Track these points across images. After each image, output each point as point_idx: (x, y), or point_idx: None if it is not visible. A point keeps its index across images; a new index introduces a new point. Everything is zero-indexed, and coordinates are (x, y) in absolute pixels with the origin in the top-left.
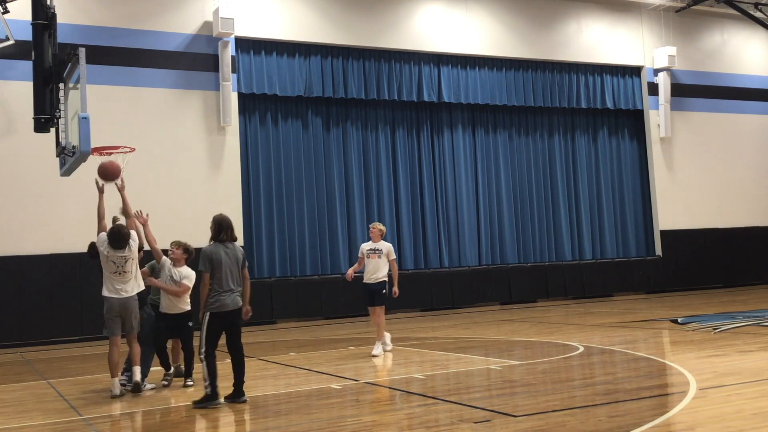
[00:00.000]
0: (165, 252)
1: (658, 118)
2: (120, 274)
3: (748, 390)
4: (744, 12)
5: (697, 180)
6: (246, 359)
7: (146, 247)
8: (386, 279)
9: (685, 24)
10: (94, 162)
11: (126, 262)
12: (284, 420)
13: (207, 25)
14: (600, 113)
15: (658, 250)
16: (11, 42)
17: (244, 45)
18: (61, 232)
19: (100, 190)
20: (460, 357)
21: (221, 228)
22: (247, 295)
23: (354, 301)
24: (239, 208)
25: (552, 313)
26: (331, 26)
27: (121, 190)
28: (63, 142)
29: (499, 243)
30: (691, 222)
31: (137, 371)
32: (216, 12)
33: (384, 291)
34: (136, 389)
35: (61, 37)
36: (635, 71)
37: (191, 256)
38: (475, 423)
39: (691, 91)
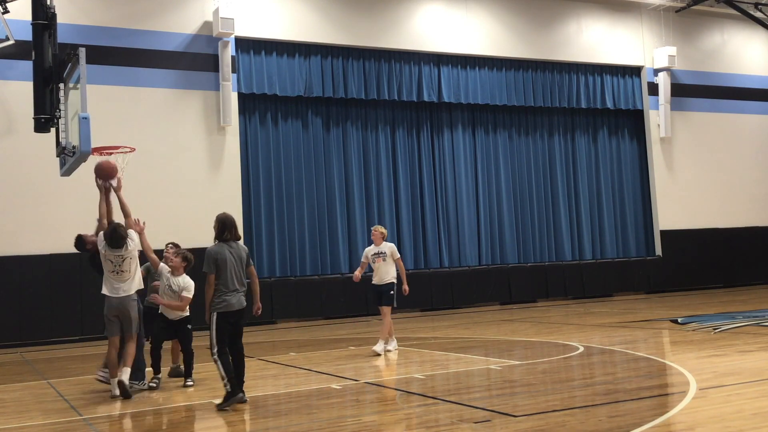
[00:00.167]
0: (160, 253)
1: (658, 118)
2: (117, 273)
3: (748, 390)
4: (744, 12)
5: (697, 180)
6: (246, 359)
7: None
8: (394, 280)
9: (685, 24)
10: (94, 162)
11: (123, 261)
12: (284, 420)
13: (207, 25)
14: (600, 113)
15: (658, 250)
16: (11, 42)
17: (244, 45)
18: (61, 232)
19: (101, 190)
20: (460, 357)
21: (224, 227)
22: (257, 292)
23: (354, 301)
24: (239, 208)
25: (552, 313)
26: (331, 26)
27: (117, 191)
28: (63, 142)
29: (499, 243)
30: (691, 222)
31: (125, 372)
32: (216, 12)
33: (392, 292)
34: (123, 390)
35: (61, 37)
36: (635, 71)
37: (190, 265)
38: (475, 423)
39: (691, 91)
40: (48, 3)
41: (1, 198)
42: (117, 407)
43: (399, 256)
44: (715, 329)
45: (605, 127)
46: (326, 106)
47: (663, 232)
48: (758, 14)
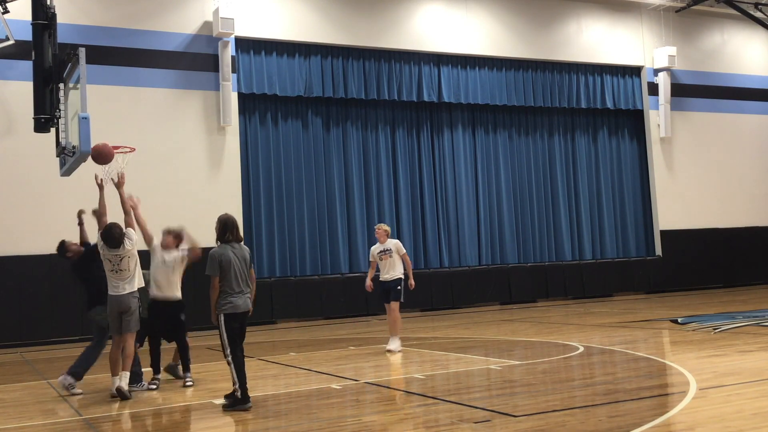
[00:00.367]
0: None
1: (658, 118)
2: (116, 272)
3: (748, 390)
4: (744, 12)
5: (697, 180)
6: (246, 359)
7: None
8: (402, 276)
9: (685, 24)
10: (93, 162)
11: (122, 260)
12: (284, 420)
13: (207, 25)
14: (600, 113)
15: (658, 250)
16: (11, 42)
17: (244, 45)
18: (61, 232)
19: (100, 186)
20: (460, 357)
21: (226, 228)
22: (253, 295)
23: (354, 301)
24: (239, 208)
25: (552, 313)
26: (331, 26)
27: (118, 187)
28: (63, 142)
29: (499, 243)
30: (691, 222)
31: (125, 376)
32: (216, 12)
33: (399, 287)
34: (123, 395)
35: (61, 37)
36: (635, 71)
37: (181, 240)
38: (475, 423)
39: (691, 91)
40: (48, 3)
41: (1, 198)
42: (117, 407)
43: (405, 251)
44: (715, 329)
45: (605, 127)
46: (326, 106)
47: (663, 232)
48: (758, 14)
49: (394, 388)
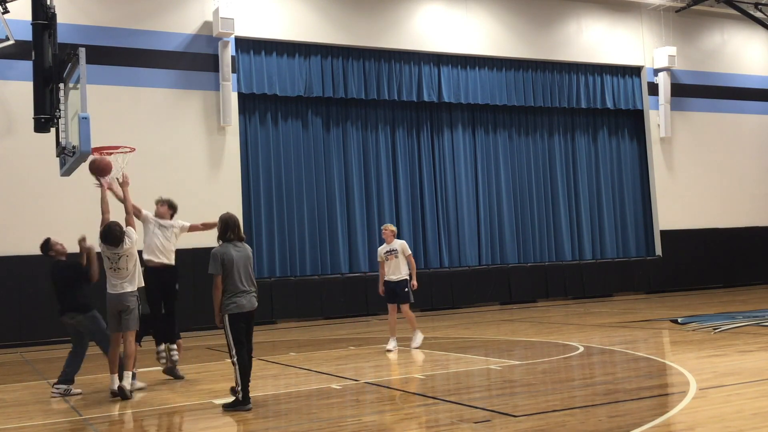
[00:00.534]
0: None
1: (658, 118)
2: (114, 270)
3: (748, 390)
4: (744, 12)
5: (697, 180)
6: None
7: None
8: (407, 277)
9: (685, 24)
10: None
11: (120, 259)
12: (284, 420)
13: (207, 25)
14: (600, 113)
15: (658, 250)
16: (11, 42)
17: (244, 45)
18: (61, 232)
19: (100, 186)
20: (460, 357)
21: (227, 227)
22: None
23: (354, 301)
24: (239, 208)
25: (552, 313)
26: (331, 26)
27: (123, 186)
28: (63, 142)
29: (499, 243)
30: (691, 222)
31: (127, 376)
32: (216, 12)
33: (406, 289)
34: (123, 395)
35: (61, 37)
36: (635, 71)
37: (176, 211)
38: (475, 423)
39: (691, 91)
40: (48, 3)
41: (1, 198)
42: (117, 407)
43: (410, 252)
44: (715, 329)
45: (605, 127)
46: (326, 106)
47: (663, 232)
48: (758, 14)
49: (394, 388)
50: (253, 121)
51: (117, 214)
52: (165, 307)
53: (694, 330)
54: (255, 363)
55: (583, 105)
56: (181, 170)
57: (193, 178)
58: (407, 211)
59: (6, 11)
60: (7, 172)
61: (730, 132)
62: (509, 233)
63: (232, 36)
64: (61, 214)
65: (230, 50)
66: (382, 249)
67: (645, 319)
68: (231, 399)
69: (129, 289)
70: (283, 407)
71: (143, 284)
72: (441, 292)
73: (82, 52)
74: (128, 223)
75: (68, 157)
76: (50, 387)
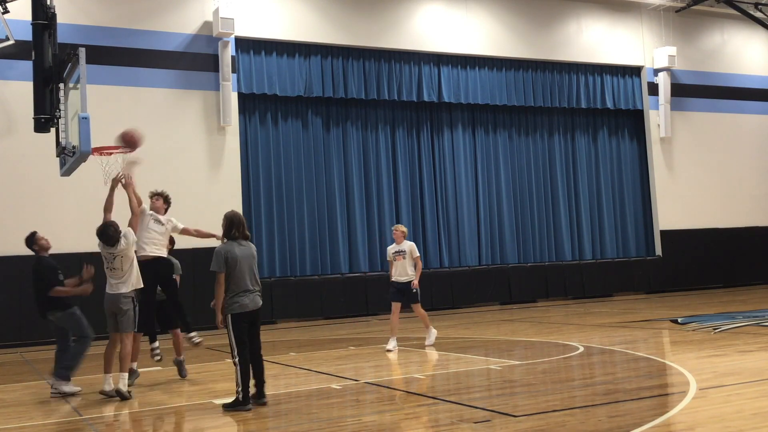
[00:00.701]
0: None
1: (658, 118)
2: (110, 269)
3: (748, 390)
4: (744, 12)
5: (697, 180)
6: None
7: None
8: (413, 279)
9: (685, 24)
10: (93, 162)
11: (115, 259)
12: (284, 420)
13: (207, 25)
14: (600, 113)
15: (658, 250)
16: (11, 42)
17: (244, 45)
18: (61, 232)
19: (113, 185)
20: (460, 357)
21: (232, 225)
22: None
23: (354, 301)
24: (239, 208)
25: (552, 313)
26: (331, 26)
27: (127, 187)
28: (63, 142)
29: (499, 243)
30: (691, 222)
31: (123, 377)
32: (216, 12)
33: (415, 290)
34: (122, 396)
35: (61, 37)
36: (635, 71)
37: (169, 204)
38: (475, 423)
39: (691, 91)
40: (48, 3)
41: (1, 198)
42: (117, 407)
43: (418, 255)
44: (715, 329)
45: (605, 127)
46: (326, 106)
47: (663, 232)
48: (758, 14)
49: (394, 388)
50: (253, 121)
51: (118, 217)
52: (168, 298)
53: (694, 330)
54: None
55: (583, 105)
56: (181, 170)
57: (193, 178)
58: (407, 211)
59: (6, 11)
60: (7, 172)
61: (730, 132)
62: (509, 233)
63: (232, 36)
64: (61, 214)
65: (230, 50)
66: (391, 248)
67: (645, 319)
68: (231, 399)
69: (123, 290)
70: (283, 407)
71: (141, 285)
72: (441, 292)
73: (82, 52)
74: (131, 224)
75: (68, 157)
76: (50, 386)
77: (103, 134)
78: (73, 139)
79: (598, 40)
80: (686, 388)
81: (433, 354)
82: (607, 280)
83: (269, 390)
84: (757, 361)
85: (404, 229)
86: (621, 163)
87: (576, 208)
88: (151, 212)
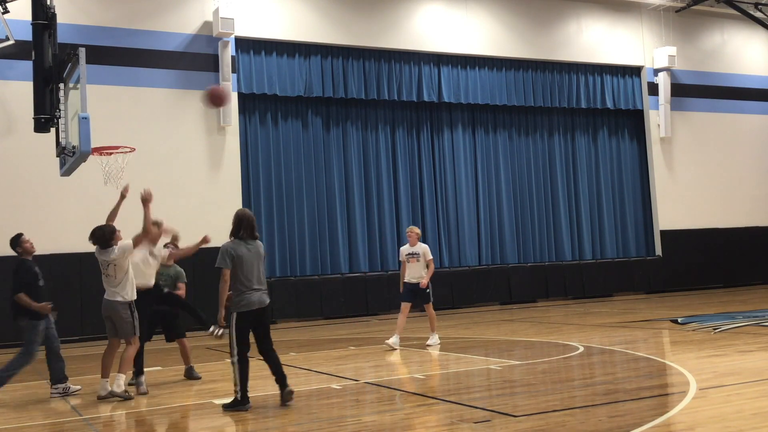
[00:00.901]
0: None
1: (658, 118)
2: (105, 276)
3: (748, 390)
4: (744, 12)
5: (697, 180)
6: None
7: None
8: (423, 278)
9: (685, 24)
10: (93, 162)
11: (108, 266)
12: (284, 420)
13: (207, 25)
14: (600, 113)
15: (658, 250)
16: (11, 42)
17: (244, 45)
18: (61, 232)
19: (122, 196)
20: (460, 357)
21: (241, 224)
22: None
23: (354, 301)
24: (239, 208)
25: (552, 313)
26: (331, 26)
27: (145, 204)
28: (63, 142)
29: (499, 243)
30: (691, 222)
31: (119, 380)
32: (216, 12)
33: (427, 290)
34: (120, 397)
35: (61, 37)
36: (635, 71)
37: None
38: (475, 423)
39: (691, 91)
40: (48, 3)
41: (1, 198)
42: (117, 408)
43: (431, 257)
44: (715, 329)
45: (605, 127)
46: (326, 106)
47: (663, 232)
48: (758, 14)
49: (394, 388)
50: (253, 121)
51: (123, 225)
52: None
53: (694, 330)
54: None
55: (583, 105)
56: (181, 170)
57: (193, 178)
58: (407, 211)
59: (6, 11)
60: (7, 172)
61: (730, 132)
62: (509, 233)
63: (232, 36)
64: (61, 214)
65: (230, 50)
66: (404, 250)
67: (645, 319)
68: (232, 399)
69: (118, 299)
70: (283, 407)
71: (134, 298)
72: (441, 292)
73: (82, 52)
74: (137, 240)
75: (68, 157)
76: (50, 387)
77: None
78: (73, 139)
79: (598, 40)
80: (686, 388)
81: (433, 354)
82: (607, 280)
83: (269, 390)
84: (757, 361)
85: (418, 231)
86: (621, 163)
87: (576, 208)
88: (151, 243)
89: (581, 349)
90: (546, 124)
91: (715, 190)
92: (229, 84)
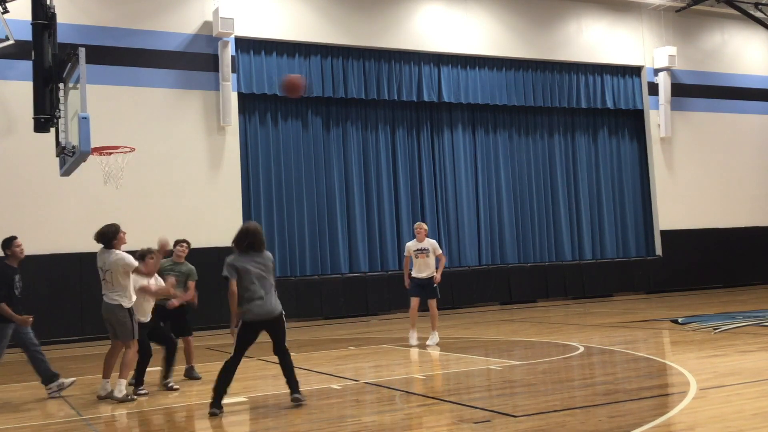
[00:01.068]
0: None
1: (658, 118)
2: (104, 281)
3: (748, 390)
4: (744, 12)
5: (697, 180)
6: (245, 359)
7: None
8: (435, 274)
9: (685, 24)
10: (93, 162)
11: (105, 272)
12: (284, 420)
13: (207, 25)
14: (600, 113)
15: (658, 250)
16: (11, 42)
17: (244, 45)
18: (61, 232)
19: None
20: (460, 357)
21: (243, 237)
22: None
23: (354, 301)
24: (239, 208)
25: (552, 313)
26: (331, 26)
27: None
28: (63, 142)
29: (499, 243)
30: (691, 222)
31: (120, 384)
32: (216, 12)
33: (435, 285)
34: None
35: (61, 37)
36: (635, 71)
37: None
38: (475, 423)
39: (691, 91)
40: (48, 3)
41: (1, 198)
42: (117, 408)
43: (441, 251)
44: (715, 329)
45: (605, 127)
46: (326, 106)
47: (663, 232)
48: (758, 14)
49: (394, 388)
50: (253, 121)
51: (124, 225)
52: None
53: (694, 330)
54: (255, 363)
55: (583, 105)
56: (181, 170)
57: (193, 178)
58: (407, 212)
59: (6, 11)
60: (7, 172)
61: (730, 132)
62: (509, 233)
63: (232, 36)
64: (61, 214)
65: (230, 50)
66: (412, 245)
67: (645, 319)
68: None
69: (116, 302)
70: (283, 407)
71: (129, 305)
72: (441, 292)
73: (82, 52)
74: (139, 269)
75: (68, 157)
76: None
77: (103, 134)
78: (73, 139)
79: (598, 40)
80: (686, 388)
81: (433, 354)
82: (607, 280)
83: (269, 390)
84: (757, 361)
85: (426, 227)
86: (621, 163)
87: (576, 208)
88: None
89: (581, 349)
90: (546, 124)
91: (715, 190)
92: (228, 84)
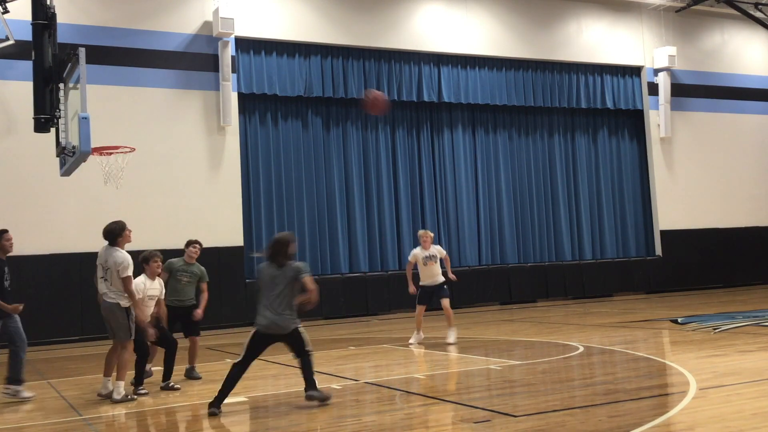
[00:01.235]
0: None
1: (658, 118)
2: (104, 279)
3: (748, 390)
4: (744, 12)
5: (697, 180)
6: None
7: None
8: (444, 278)
9: (685, 24)
10: (93, 162)
11: (106, 270)
12: (284, 420)
13: (207, 25)
14: (600, 113)
15: (658, 250)
16: (11, 42)
17: (244, 45)
18: (61, 232)
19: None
20: (460, 357)
21: (270, 248)
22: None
23: (354, 301)
24: (239, 208)
25: (552, 313)
26: (331, 26)
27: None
28: (63, 142)
29: (499, 243)
30: (691, 222)
31: (118, 387)
32: (216, 12)
33: (445, 286)
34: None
35: (61, 37)
36: (635, 71)
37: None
38: (475, 423)
39: (691, 91)
40: (48, 3)
41: (1, 198)
42: (117, 408)
43: (446, 253)
44: (715, 329)
45: (605, 127)
46: (326, 106)
47: (663, 232)
48: (758, 14)
49: (394, 388)
50: (253, 121)
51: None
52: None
53: (694, 330)
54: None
55: (583, 105)
56: (181, 170)
57: (193, 178)
58: (407, 211)
59: (6, 11)
60: (7, 172)
61: (730, 132)
62: (509, 233)
63: (232, 36)
64: (61, 214)
65: (230, 50)
66: (420, 253)
67: (645, 319)
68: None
69: (114, 301)
70: (283, 407)
71: (127, 305)
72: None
73: (82, 52)
74: (128, 287)
75: (68, 157)
76: (50, 386)
77: (103, 134)
78: (73, 139)
79: (598, 40)
80: (686, 388)
81: (433, 354)
82: (607, 280)
83: (269, 390)
84: (757, 361)
85: (432, 234)
86: (621, 163)
87: (576, 208)
88: (149, 279)
89: (581, 349)
90: (546, 124)
91: (715, 190)
92: (228, 84)
